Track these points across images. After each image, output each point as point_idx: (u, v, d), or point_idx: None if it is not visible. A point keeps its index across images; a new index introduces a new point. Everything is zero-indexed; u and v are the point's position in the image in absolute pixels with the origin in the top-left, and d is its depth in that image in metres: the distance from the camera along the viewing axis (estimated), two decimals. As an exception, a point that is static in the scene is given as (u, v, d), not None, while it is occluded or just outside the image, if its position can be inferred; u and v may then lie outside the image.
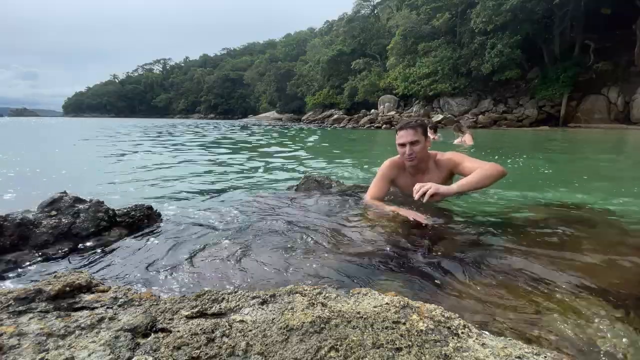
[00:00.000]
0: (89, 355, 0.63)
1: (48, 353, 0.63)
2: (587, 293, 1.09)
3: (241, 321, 0.75)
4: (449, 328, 0.72)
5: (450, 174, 2.18)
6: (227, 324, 0.73)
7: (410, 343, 0.67)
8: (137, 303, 0.81)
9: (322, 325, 0.72)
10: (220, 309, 0.80)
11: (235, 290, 0.87)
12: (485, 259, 1.37)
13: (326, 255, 1.46)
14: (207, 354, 0.65)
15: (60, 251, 1.49)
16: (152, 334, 0.71)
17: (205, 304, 0.81)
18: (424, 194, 1.72)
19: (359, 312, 0.77)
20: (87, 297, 0.82)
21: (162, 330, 0.72)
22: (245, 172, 4.54)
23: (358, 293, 0.87)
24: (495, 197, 2.45)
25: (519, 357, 0.65)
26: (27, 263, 1.40)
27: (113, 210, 1.77)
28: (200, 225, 1.90)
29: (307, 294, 0.84)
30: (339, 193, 2.57)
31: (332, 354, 0.65)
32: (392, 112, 25.55)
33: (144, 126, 22.28)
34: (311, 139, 12.21)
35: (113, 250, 1.56)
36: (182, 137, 11.84)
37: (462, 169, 2.07)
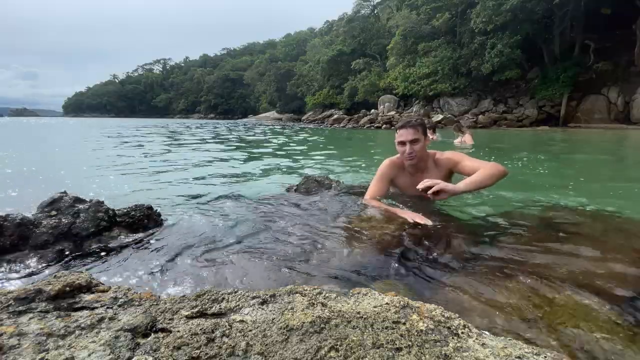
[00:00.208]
0: (89, 355, 0.63)
1: (48, 353, 0.63)
2: (588, 294, 1.09)
3: (241, 321, 0.75)
4: (449, 328, 0.72)
5: (450, 173, 2.18)
6: (227, 324, 0.73)
7: (410, 343, 0.67)
8: (137, 303, 0.81)
9: (322, 325, 0.72)
10: (220, 309, 0.80)
11: (235, 290, 0.87)
12: (485, 259, 1.37)
13: (326, 255, 1.46)
14: (207, 354, 0.65)
15: (60, 251, 1.49)
16: (152, 334, 0.71)
17: (205, 304, 0.81)
18: (429, 188, 1.72)
19: (359, 312, 0.77)
20: (87, 297, 0.82)
21: (162, 330, 0.72)
22: (245, 172, 4.54)
23: (358, 293, 0.87)
24: (495, 198, 2.45)
25: (519, 357, 0.65)
26: (27, 263, 1.40)
27: (113, 210, 1.77)
28: (200, 225, 1.90)
29: (307, 294, 0.84)
30: (338, 193, 2.57)
31: (332, 354, 0.65)
32: (392, 112, 25.54)
33: (151, 125, 22.28)
34: (311, 138, 12.22)
35: (113, 250, 1.56)
36: (182, 138, 11.85)
37: (461, 168, 2.07)
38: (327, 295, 0.85)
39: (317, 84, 39.04)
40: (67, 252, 1.50)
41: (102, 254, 1.53)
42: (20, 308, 0.74)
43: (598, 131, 15.41)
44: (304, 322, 0.73)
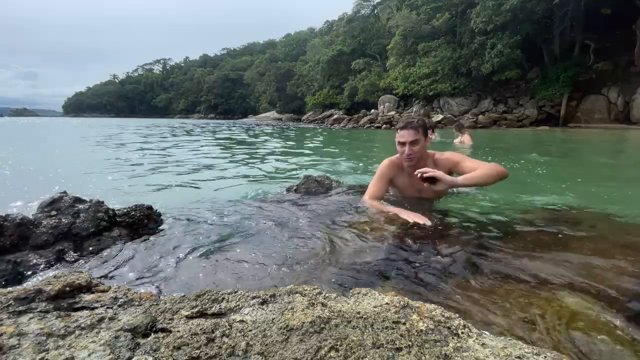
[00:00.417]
0: (89, 355, 0.63)
1: (48, 353, 0.63)
2: (587, 295, 1.09)
3: (241, 321, 0.75)
4: (449, 328, 0.72)
5: (449, 174, 2.18)
6: (227, 324, 0.73)
7: (410, 343, 0.67)
8: (137, 303, 0.81)
9: (322, 325, 0.72)
10: (220, 309, 0.80)
11: (235, 290, 0.87)
12: (485, 259, 1.37)
13: (326, 255, 1.46)
14: (207, 354, 0.65)
15: (60, 251, 1.49)
16: (152, 334, 0.71)
17: (205, 304, 0.81)
18: (425, 174, 1.74)
19: (359, 312, 0.77)
20: (87, 297, 0.82)
21: (162, 330, 0.72)
22: (245, 172, 4.54)
23: (358, 293, 0.87)
24: (494, 198, 2.45)
25: (519, 357, 0.65)
26: (27, 263, 1.40)
27: (113, 210, 1.77)
28: (200, 225, 1.90)
29: (307, 294, 0.84)
30: (338, 193, 2.57)
31: (332, 354, 0.65)
32: (392, 112, 25.54)
33: (152, 125, 22.27)
34: (311, 138, 12.21)
35: (113, 250, 1.56)
36: (183, 137, 11.84)
37: (460, 168, 2.07)
38: (327, 295, 0.85)
39: (317, 84, 39.04)
40: (67, 252, 1.50)
41: (102, 254, 1.53)
42: (20, 308, 0.74)
43: (598, 131, 15.41)
44: (304, 322, 0.73)
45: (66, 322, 0.71)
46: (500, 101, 23.04)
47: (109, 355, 0.64)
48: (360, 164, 5.14)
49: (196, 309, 0.79)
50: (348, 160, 5.83)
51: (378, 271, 1.31)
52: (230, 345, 0.67)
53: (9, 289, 0.81)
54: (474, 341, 0.69)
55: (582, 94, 19.85)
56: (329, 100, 36.66)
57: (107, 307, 0.78)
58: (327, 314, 0.76)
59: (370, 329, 0.71)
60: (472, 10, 21.90)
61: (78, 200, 1.76)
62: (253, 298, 0.84)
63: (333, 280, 1.26)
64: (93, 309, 0.78)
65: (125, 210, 1.82)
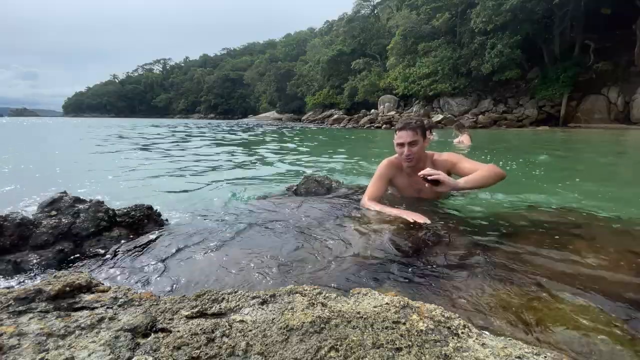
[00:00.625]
0: (89, 355, 0.63)
1: (48, 353, 0.63)
2: (587, 296, 1.09)
3: (241, 321, 0.75)
4: (449, 328, 0.72)
5: (448, 174, 2.18)
6: (227, 324, 0.73)
7: (410, 343, 0.67)
8: (137, 303, 0.81)
9: (322, 325, 0.72)
10: (220, 309, 0.80)
11: (235, 290, 0.87)
12: (484, 260, 1.37)
13: (326, 255, 1.46)
14: (207, 354, 0.65)
15: (60, 251, 1.49)
16: (152, 334, 0.71)
17: (205, 304, 0.81)
18: (429, 176, 1.75)
19: (359, 312, 0.77)
20: (87, 297, 0.82)
21: (162, 330, 0.72)
22: (245, 172, 4.54)
23: (358, 293, 0.87)
24: (494, 199, 2.45)
25: (519, 357, 0.65)
26: (27, 263, 1.40)
27: (113, 210, 1.77)
28: (200, 225, 1.90)
29: (307, 294, 0.84)
30: (338, 193, 2.57)
31: (332, 354, 0.65)
32: (392, 112, 25.54)
33: (153, 125, 22.27)
34: (311, 138, 12.21)
35: (113, 250, 1.56)
36: (183, 137, 11.84)
37: (459, 169, 2.08)
38: (327, 295, 0.85)
39: (317, 84, 39.04)
40: (67, 252, 1.50)
41: (102, 254, 1.53)
42: (20, 308, 0.74)
43: (598, 131, 15.41)
44: (304, 322, 0.73)
45: (66, 322, 0.71)
46: (500, 101, 23.03)
47: (109, 355, 0.64)
48: (360, 163, 5.14)
49: (196, 309, 0.79)
50: (348, 160, 5.83)
51: (378, 271, 1.31)
52: (230, 345, 0.67)
53: (9, 289, 0.81)
54: (474, 341, 0.69)
55: (582, 94, 19.85)
56: (329, 100, 36.66)
57: (107, 307, 0.78)
58: (327, 314, 0.76)
59: (370, 329, 0.71)
60: (472, 10, 21.90)
61: (78, 200, 1.76)
62: (253, 298, 0.84)
63: (333, 280, 1.26)
64: (93, 309, 0.78)
65: (125, 210, 1.82)
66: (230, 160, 5.84)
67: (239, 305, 0.81)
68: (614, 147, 9.10)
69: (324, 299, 0.83)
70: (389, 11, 32.25)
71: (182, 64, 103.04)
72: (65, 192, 1.78)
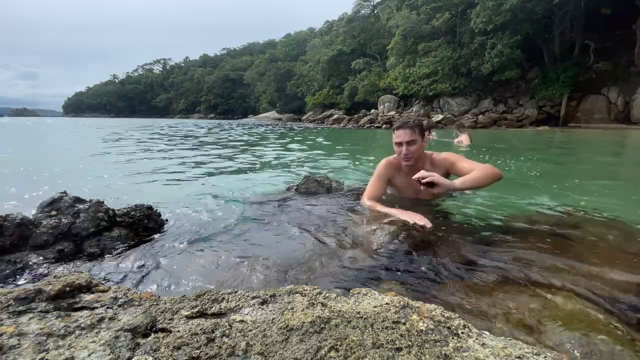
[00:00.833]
0: (89, 355, 0.63)
1: (48, 353, 0.63)
2: (587, 297, 1.09)
3: (241, 321, 0.75)
4: (449, 328, 0.72)
5: (446, 174, 2.19)
6: (227, 324, 0.73)
7: (410, 343, 0.67)
8: (137, 303, 0.81)
9: (322, 325, 0.72)
10: (220, 309, 0.80)
11: (235, 290, 0.87)
12: (484, 260, 1.37)
13: (326, 255, 1.46)
14: (207, 354, 0.65)
15: (60, 251, 1.49)
16: (152, 334, 0.71)
17: (205, 304, 0.81)
18: (423, 178, 1.74)
19: (359, 312, 0.77)
20: (87, 297, 0.82)
21: (162, 330, 0.72)
22: (245, 172, 4.54)
23: (358, 293, 0.87)
24: (493, 199, 2.45)
25: (519, 357, 0.65)
26: (27, 263, 1.40)
27: (113, 210, 1.77)
28: (200, 225, 1.90)
29: (307, 294, 0.84)
30: (338, 193, 2.57)
31: (332, 354, 0.65)
32: (392, 112, 25.53)
33: (155, 126, 22.27)
34: (311, 138, 12.22)
35: (113, 250, 1.56)
36: (183, 136, 11.85)
37: (457, 168, 2.08)
38: (327, 295, 0.85)
39: (317, 84, 39.04)
40: (67, 252, 1.50)
41: (102, 254, 1.53)
42: (20, 308, 0.74)
43: (598, 131, 15.41)
44: (304, 322, 0.73)
45: (66, 322, 0.71)
46: (500, 101, 23.03)
47: (109, 355, 0.64)
48: (359, 163, 5.14)
49: (196, 309, 0.79)
50: (348, 159, 5.83)
51: (378, 271, 1.31)
52: (230, 345, 0.67)
53: (9, 289, 0.81)
54: (474, 341, 0.69)
55: (582, 94, 19.85)
56: (329, 100, 36.67)
57: (107, 307, 0.78)
58: (327, 314, 0.76)
59: (370, 329, 0.71)
60: (472, 10, 21.90)
61: (78, 200, 1.76)
62: (253, 298, 0.84)
63: (333, 280, 1.26)
64: (93, 309, 0.78)
65: (125, 210, 1.82)
66: (231, 160, 5.84)
67: (239, 305, 0.81)
68: (614, 147, 9.10)
69: (324, 299, 0.83)
70: (389, 11, 32.25)
71: (182, 64, 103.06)
72: (65, 192, 1.78)
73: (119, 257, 1.50)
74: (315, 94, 38.63)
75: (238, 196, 2.74)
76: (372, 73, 30.93)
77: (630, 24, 18.05)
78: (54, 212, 1.65)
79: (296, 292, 0.86)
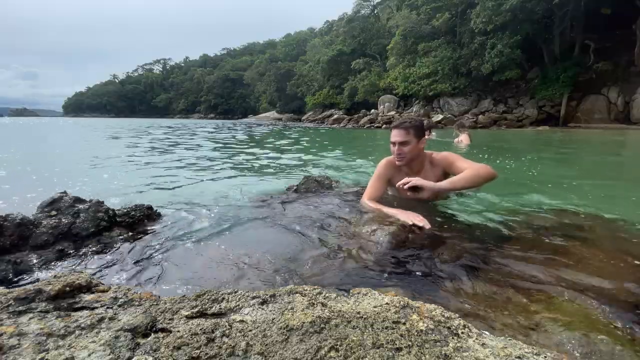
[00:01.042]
0: (89, 355, 0.63)
1: (48, 353, 0.63)
2: (586, 297, 1.09)
3: (241, 321, 0.75)
4: (449, 328, 0.72)
5: (445, 174, 2.19)
6: (227, 324, 0.73)
7: (410, 343, 0.67)
8: (137, 303, 0.81)
9: (322, 325, 0.72)
10: (220, 309, 0.80)
11: (235, 290, 0.87)
12: (484, 261, 1.37)
13: (326, 255, 1.46)
14: (207, 354, 0.65)
15: (60, 251, 1.49)
16: (152, 334, 0.71)
17: (205, 304, 0.81)
18: (406, 183, 1.76)
19: (359, 312, 0.77)
20: (87, 297, 0.82)
21: (162, 330, 0.72)
22: (245, 172, 4.54)
23: (358, 293, 0.87)
24: (493, 199, 2.45)
25: (519, 357, 0.65)
26: (27, 263, 1.40)
27: (113, 210, 1.77)
28: (200, 225, 1.90)
29: (307, 294, 0.84)
30: (338, 193, 2.57)
31: (332, 354, 0.65)
32: (392, 112, 25.54)
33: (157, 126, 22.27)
34: (311, 138, 12.22)
35: (113, 250, 1.56)
36: (183, 136, 11.85)
37: (455, 168, 2.08)
38: (327, 295, 0.85)
39: (317, 84, 39.05)
40: (67, 252, 1.50)
41: (102, 254, 1.53)
42: (20, 308, 0.74)
43: (598, 131, 15.41)
44: (304, 322, 0.73)
45: (66, 322, 0.71)
46: (500, 101, 23.03)
47: (109, 355, 0.64)
48: (360, 164, 5.14)
49: (196, 309, 0.79)
50: (348, 159, 5.83)
51: (378, 271, 1.31)
52: (230, 345, 0.67)
53: (9, 289, 0.81)
54: (474, 341, 0.69)
55: (582, 94, 19.85)
56: (329, 100, 36.67)
57: (107, 307, 0.78)
58: (327, 314, 0.76)
59: (370, 329, 0.71)
60: (472, 10, 21.90)
61: (78, 200, 1.76)
62: (253, 298, 0.84)
63: (333, 280, 1.26)
64: (93, 309, 0.78)
65: (125, 210, 1.82)
66: (231, 160, 5.84)
67: (239, 305, 0.81)
68: (614, 147, 9.09)
69: (324, 299, 0.83)
70: (389, 11, 32.25)
71: (182, 64, 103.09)
72: (65, 192, 1.78)
73: (119, 257, 1.50)
74: (315, 94, 38.63)
75: (238, 196, 2.74)
76: (372, 73, 30.94)
77: (630, 24, 18.05)
78: (54, 212, 1.65)
79: (296, 292, 0.86)
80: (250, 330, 0.71)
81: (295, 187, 2.75)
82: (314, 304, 0.80)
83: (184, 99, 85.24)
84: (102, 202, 1.76)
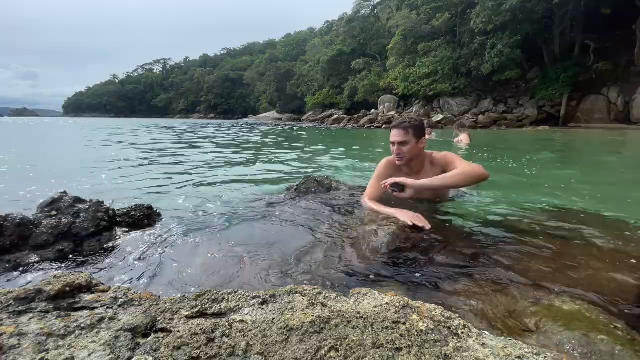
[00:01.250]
0: (89, 355, 0.63)
1: (48, 353, 0.63)
2: (586, 298, 1.09)
3: (241, 321, 0.75)
4: (449, 328, 0.72)
5: (443, 173, 2.19)
6: (227, 324, 0.73)
7: (410, 343, 0.67)
8: (137, 303, 0.81)
9: (322, 325, 0.72)
10: (220, 309, 0.80)
11: (235, 290, 0.87)
12: (484, 261, 1.37)
13: (326, 256, 1.46)
14: (207, 354, 0.65)
15: (60, 251, 1.49)
16: (152, 334, 0.71)
17: (205, 304, 0.81)
18: (387, 184, 1.86)
19: (359, 312, 0.77)
20: (87, 297, 0.82)
21: (162, 330, 0.72)
22: (245, 172, 4.54)
23: (358, 293, 0.87)
24: (494, 200, 2.45)
25: (519, 357, 0.65)
26: (27, 263, 1.40)
27: (113, 210, 1.77)
28: (200, 225, 1.90)
29: (307, 294, 0.84)
30: (338, 194, 2.57)
31: (332, 354, 0.65)
32: (392, 112, 25.55)
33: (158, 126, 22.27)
34: (311, 138, 12.22)
35: (113, 250, 1.56)
36: (183, 136, 11.85)
37: (451, 168, 2.08)
38: (327, 295, 0.85)
39: (317, 84, 39.06)
40: (67, 252, 1.50)
41: (102, 254, 1.53)
42: (20, 308, 0.74)
43: (598, 131, 15.41)
44: (304, 322, 0.73)
45: (66, 322, 0.71)
46: (500, 101, 23.03)
47: (109, 355, 0.64)
48: (360, 164, 5.14)
49: (196, 309, 0.79)
50: (348, 159, 5.83)
51: (378, 271, 1.31)
52: (230, 345, 0.67)
53: (9, 289, 0.81)
54: (474, 341, 0.69)
55: (582, 94, 19.85)
56: (329, 100, 36.68)
57: (107, 307, 0.78)
58: (327, 314, 0.76)
59: (370, 329, 0.71)
60: (472, 10, 21.90)
61: (78, 200, 1.76)
62: (253, 298, 0.84)
63: (333, 280, 1.26)
64: (93, 309, 0.78)
65: (125, 210, 1.82)
66: (231, 160, 5.84)
67: (239, 305, 0.81)
68: (613, 147, 9.09)
69: (324, 299, 0.83)
70: (389, 11, 32.26)
71: (182, 64, 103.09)
72: (65, 192, 1.78)
73: (119, 257, 1.50)
74: (315, 94, 38.64)
75: (238, 196, 2.74)
76: (372, 73, 30.94)
77: (630, 24, 18.05)
78: (54, 212, 1.65)
79: (296, 292, 0.86)
80: (250, 330, 0.71)
81: (295, 187, 2.75)
82: (314, 304, 0.80)
83: (184, 99, 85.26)
84: (102, 202, 1.77)
